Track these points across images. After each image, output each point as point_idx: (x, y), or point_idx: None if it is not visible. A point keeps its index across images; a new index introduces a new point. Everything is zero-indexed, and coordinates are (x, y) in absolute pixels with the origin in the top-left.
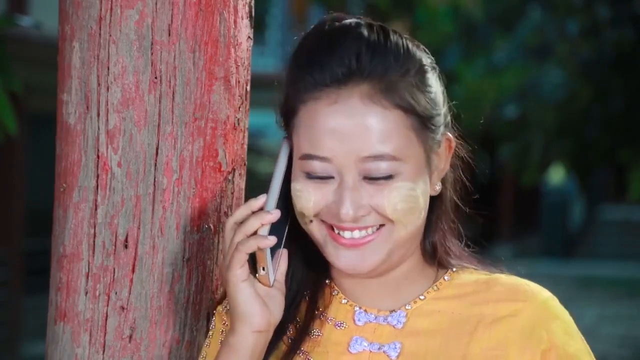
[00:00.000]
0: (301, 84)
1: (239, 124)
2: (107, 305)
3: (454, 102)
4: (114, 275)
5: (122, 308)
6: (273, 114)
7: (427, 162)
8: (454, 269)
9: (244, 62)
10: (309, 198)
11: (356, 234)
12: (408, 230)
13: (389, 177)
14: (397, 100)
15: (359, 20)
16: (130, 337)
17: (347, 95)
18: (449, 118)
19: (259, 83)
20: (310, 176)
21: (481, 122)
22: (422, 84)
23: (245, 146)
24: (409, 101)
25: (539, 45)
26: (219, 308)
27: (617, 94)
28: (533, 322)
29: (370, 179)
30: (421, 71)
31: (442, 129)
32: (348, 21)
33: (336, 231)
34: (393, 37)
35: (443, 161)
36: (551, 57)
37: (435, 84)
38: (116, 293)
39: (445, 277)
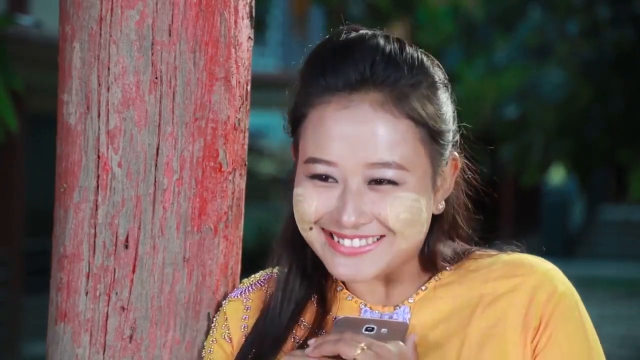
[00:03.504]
0: (312, 88)
1: (239, 125)
2: (108, 306)
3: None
4: (114, 276)
5: (123, 308)
6: (273, 114)
7: (433, 178)
8: (457, 261)
9: (245, 63)
10: (311, 203)
11: (356, 242)
12: (409, 243)
13: (393, 184)
14: (408, 110)
15: (375, 32)
16: (131, 337)
17: (358, 101)
18: (457, 137)
19: (259, 83)
20: (313, 179)
21: (482, 121)
22: (433, 97)
23: (246, 146)
24: (419, 112)
25: (539, 45)
26: (225, 307)
27: (617, 94)
28: (531, 295)
29: (375, 183)
30: (433, 85)
31: (450, 147)
32: (364, 31)
33: (335, 239)
34: (408, 50)
35: (448, 180)
36: (551, 57)
37: (446, 102)
38: (116, 293)
39: (447, 268)
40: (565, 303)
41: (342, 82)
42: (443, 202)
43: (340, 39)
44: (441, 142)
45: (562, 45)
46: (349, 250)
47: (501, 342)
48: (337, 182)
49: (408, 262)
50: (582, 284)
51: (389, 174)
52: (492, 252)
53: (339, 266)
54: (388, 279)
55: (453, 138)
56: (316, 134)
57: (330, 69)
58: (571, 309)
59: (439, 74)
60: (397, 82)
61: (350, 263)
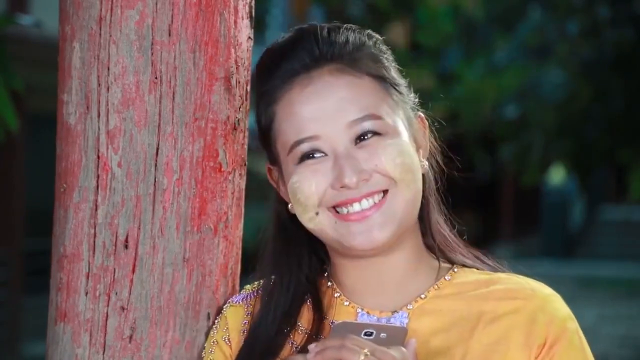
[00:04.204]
0: (271, 85)
1: (239, 124)
2: (108, 306)
3: (454, 101)
4: (114, 276)
5: (122, 308)
6: None
7: (409, 130)
8: (455, 270)
9: (244, 63)
10: (310, 184)
11: (364, 203)
12: (411, 190)
13: (377, 135)
14: (365, 69)
15: (311, 23)
16: (131, 337)
17: (317, 76)
18: (414, 97)
19: None
20: (303, 161)
21: (482, 120)
22: (382, 54)
23: (246, 146)
24: (375, 68)
25: (539, 45)
26: (226, 311)
27: (617, 94)
28: (533, 318)
29: (360, 140)
30: (377, 45)
31: (410, 101)
32: (299, 26)
33: (345, 210)
34: (342, 28)
35: (421, 137)
36: (551, 57)
37: (391, 59)
38: (116, 293)
39: (446, 277)
40: (569, 328)
41: (297, 64)
42: (425, 162)
43: (279, 40)
44: (401, 92)
45: (562, 45)
46: (360, 214)
47: (505, 359)
48: (325, 154)
49: (409, 240)
50: (582, 284)
51: (369, 125)
52: (489, 266)
53: (355, 236)
54: (389, 276)
55: (408, 95)
56: (290, 121)
57: (282, 59)
58: (573, 335)
59: (377, 36)
60: (345, 51)
61: (364, 230)
